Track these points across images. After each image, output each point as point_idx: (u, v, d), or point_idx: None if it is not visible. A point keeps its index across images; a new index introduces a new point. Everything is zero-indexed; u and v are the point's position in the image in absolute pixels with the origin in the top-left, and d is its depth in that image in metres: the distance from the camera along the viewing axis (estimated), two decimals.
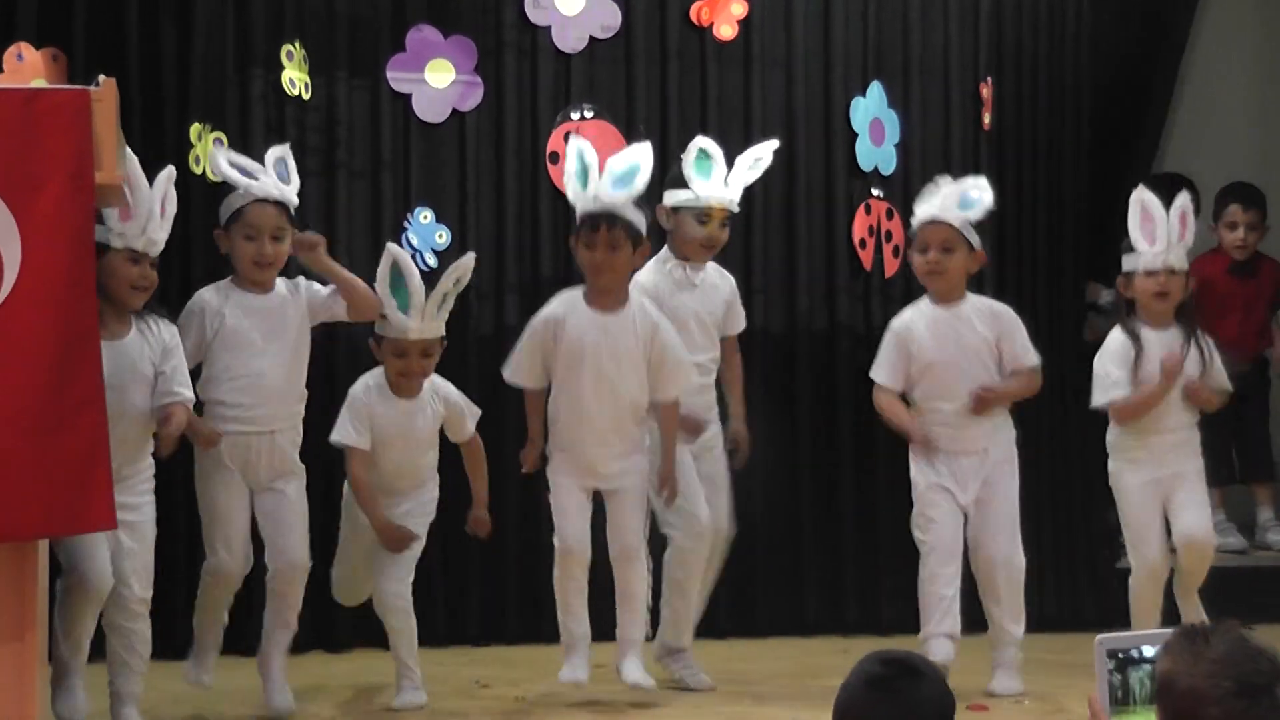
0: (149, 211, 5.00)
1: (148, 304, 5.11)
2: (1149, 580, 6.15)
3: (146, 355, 5.04)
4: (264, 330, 5.37)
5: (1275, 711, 2.64)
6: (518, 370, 5.64)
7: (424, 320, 5.49)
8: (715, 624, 6.39)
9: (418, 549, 5.55)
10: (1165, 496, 6.13)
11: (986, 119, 7.30)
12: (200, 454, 5.35)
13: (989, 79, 7.30)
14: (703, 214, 5.95)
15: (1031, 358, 5.96)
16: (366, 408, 5.54)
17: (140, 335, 5.04)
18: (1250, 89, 8.43)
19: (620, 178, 5.56)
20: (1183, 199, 6.13)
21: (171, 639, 5.49)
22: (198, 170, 6.35)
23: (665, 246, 6.00)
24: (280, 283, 5.47)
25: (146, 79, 6.31)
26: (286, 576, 5.38)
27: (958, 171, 7.17)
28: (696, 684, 5.80)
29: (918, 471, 5.91)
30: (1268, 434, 7.77)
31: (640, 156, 5.63)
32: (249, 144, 6.37)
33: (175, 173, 5.16)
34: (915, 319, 5.99)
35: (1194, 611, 6.11)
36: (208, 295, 5.42)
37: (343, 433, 5.53)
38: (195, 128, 6.35)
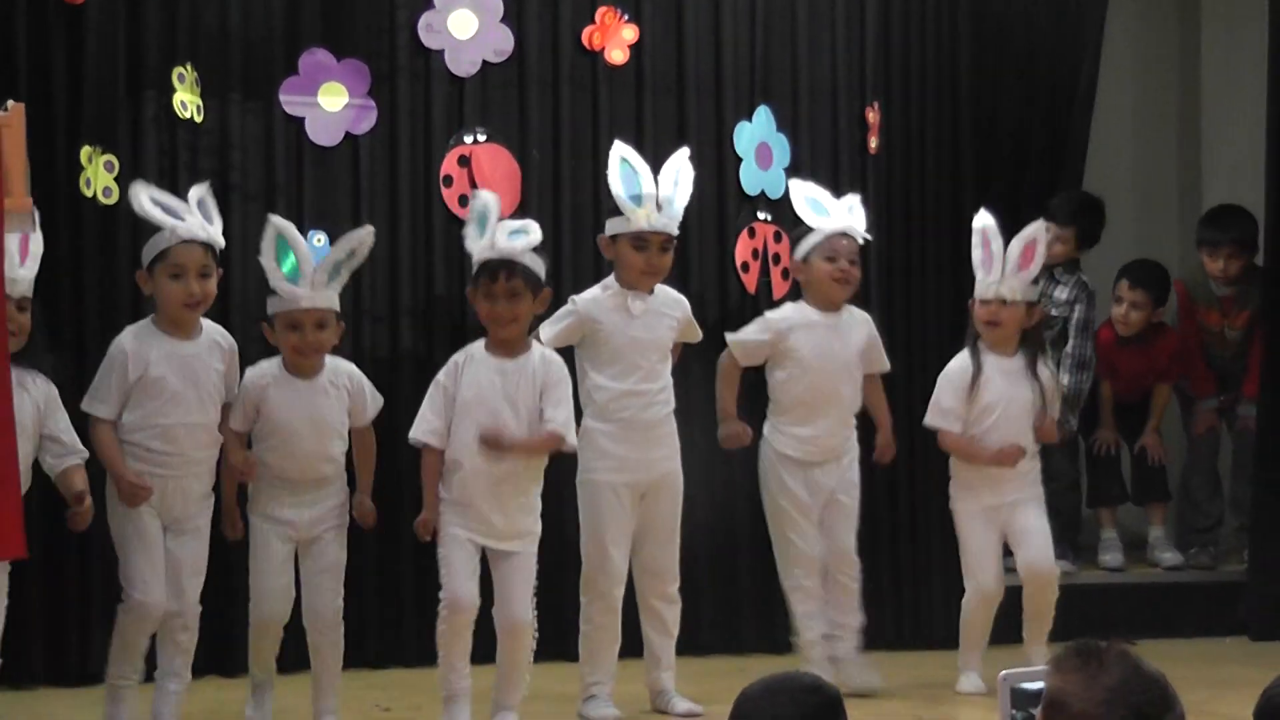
0: (12, 245, 4.85)
1: (35, 353, 5.02)
2: (981, 605, 6.32)
3: (26, 410, 4.92)
4: (185, 378, 5.33)
5: None
6: (426, 428, 5.57)
7: (314, 289, 5.41)
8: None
9: (340, 561, 5.51)
10: (1004, 524, 6.27)
11: (873, 143, 7.37)
12: (110, 493, 5.30)
13: (876, 104, 7.38)
14: (638, 239, 5.96)
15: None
16: (258, 391, 5.44)
17: (19, 385, 4.82)
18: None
19: (519, 226, 5.59)
20: (1033, 228, 6.25)
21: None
22: (89, 193, 6.28)
23: (612, 274, 6.04)
24: (206, 329, 5.42)
25: (36, 101, 6.20)
26: (179, 622, 5.32)
27: (846, 195, 7.29)
28: None
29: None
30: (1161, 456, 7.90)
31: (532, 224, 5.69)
32: (141, 167, 6.33)
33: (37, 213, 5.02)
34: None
35: (1040, 638, 6.22)
36: (128, 343, 5.34)
37: (233, 419, 5.46)
38: (86, 150, 6.27)
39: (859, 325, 6.38)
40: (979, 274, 6.28)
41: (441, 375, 5.62)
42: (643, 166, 6.06)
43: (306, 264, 5.42)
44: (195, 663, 5.50)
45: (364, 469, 5.59)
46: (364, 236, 5.57)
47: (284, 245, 5.44)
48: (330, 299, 5.46)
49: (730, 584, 7.01)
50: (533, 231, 5.66)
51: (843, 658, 6.20)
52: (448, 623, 5.48)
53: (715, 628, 6.91)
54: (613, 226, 6.01)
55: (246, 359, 6.22)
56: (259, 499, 5.50)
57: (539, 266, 5.62)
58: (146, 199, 5.39)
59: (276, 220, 5.57)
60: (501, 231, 5.59)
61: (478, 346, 5.63)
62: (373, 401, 5.59)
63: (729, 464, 6.70)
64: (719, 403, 6.26)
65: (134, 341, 5.34)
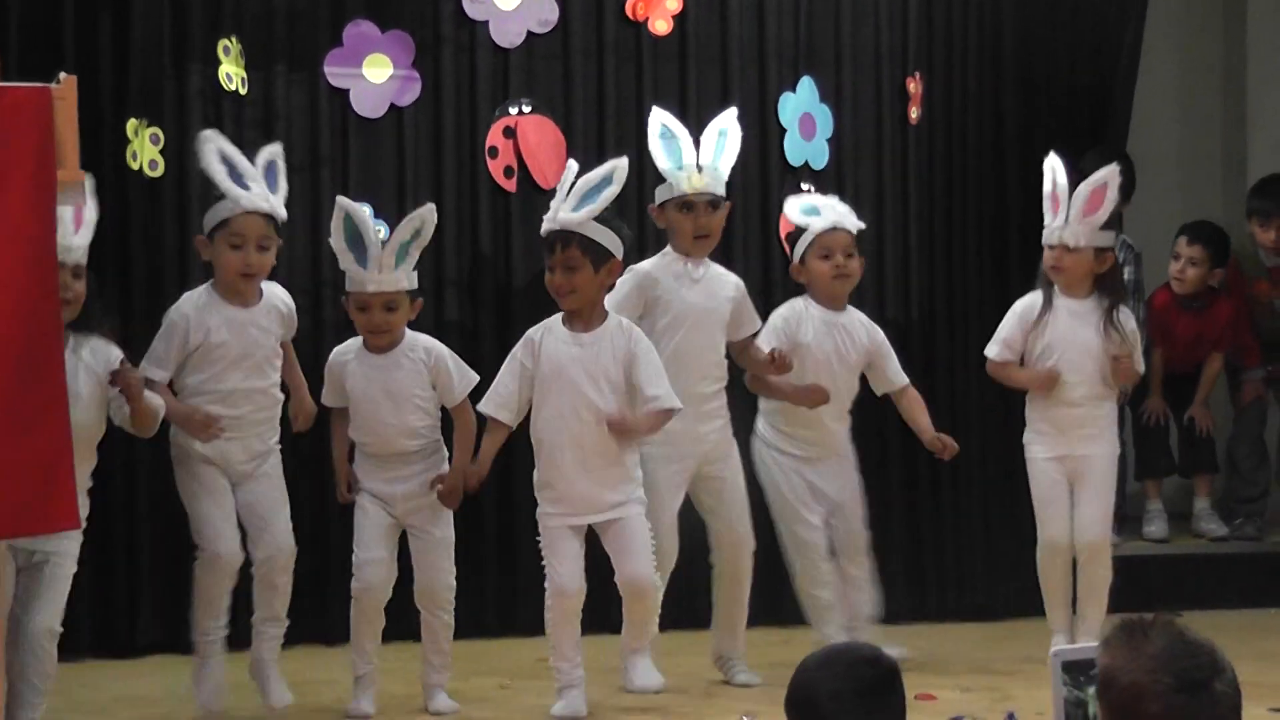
0: (67, 215, 4.86)
1: (90, 319, 5.04)
2: (1049, 556, 6.25)
3: (81, 375, 4.96)
4: (244, 345, 5.36)
5: (1214, 706, 2.66)
6: (496, 401, 5.53)
7: (382, 272, 5.43)
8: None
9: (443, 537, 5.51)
10: (1073, 478, 6.22)
11: (914, 113, 7.36)
12: (176, 453, 5.34)
13: (917, 74, 7.36)
14: (682, 203, 5.93)
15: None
16: (340, 367, 5.52)
17: (74, 355, 4.89)
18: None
19: (584, 195, 5.52)
20: (1104, 173, 6.17)
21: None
22: (135, 166, 6.32)
23: (669, 243, 6.02)
24: (267, 294, 5.46)
25: (83, 74, 6.18)
26: (275, 564, 5.36)
27: (888, 166, 7.29)
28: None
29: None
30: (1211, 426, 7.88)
31: (609, 170, 5.59)
32: (186, 139, 6.35)
33: (92, 180, 5.06)
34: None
35: (1094, 616, 6.18)
36: (189, 309, 5.38)
37: (324, 395, 5.55)
38: (132, 123, 6.31)
39: (860, 327, 6.27)
40: (1046, 217, 6.23)
41: (519, 350, 5.56)
42: (682, 131, 6.02)
43: (374, 247, 5.44)
44: (294, 631, 5.55)
45: (460, 447, 5.56)
46: (426, 215, 5.55)
47: (352, 229, 5.45)
48: (397, 281, 5.45)
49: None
50: (607, 187, 5.54)
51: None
52: (554, 611, 5.49)
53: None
54: (660, 194, 5.99)
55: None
56: (361, 474, 5.54)
57: (604, 236, 5.51)
58: (213, 153, 5.39)
59: (343, 201, 5.56)
60: (567, 201, 5.53)
61: (555, 321, 5.58)
62: (460, 379, 5.54)
63: None
64: (774, 394, 6.14)
65: (195, 308, 5.38)
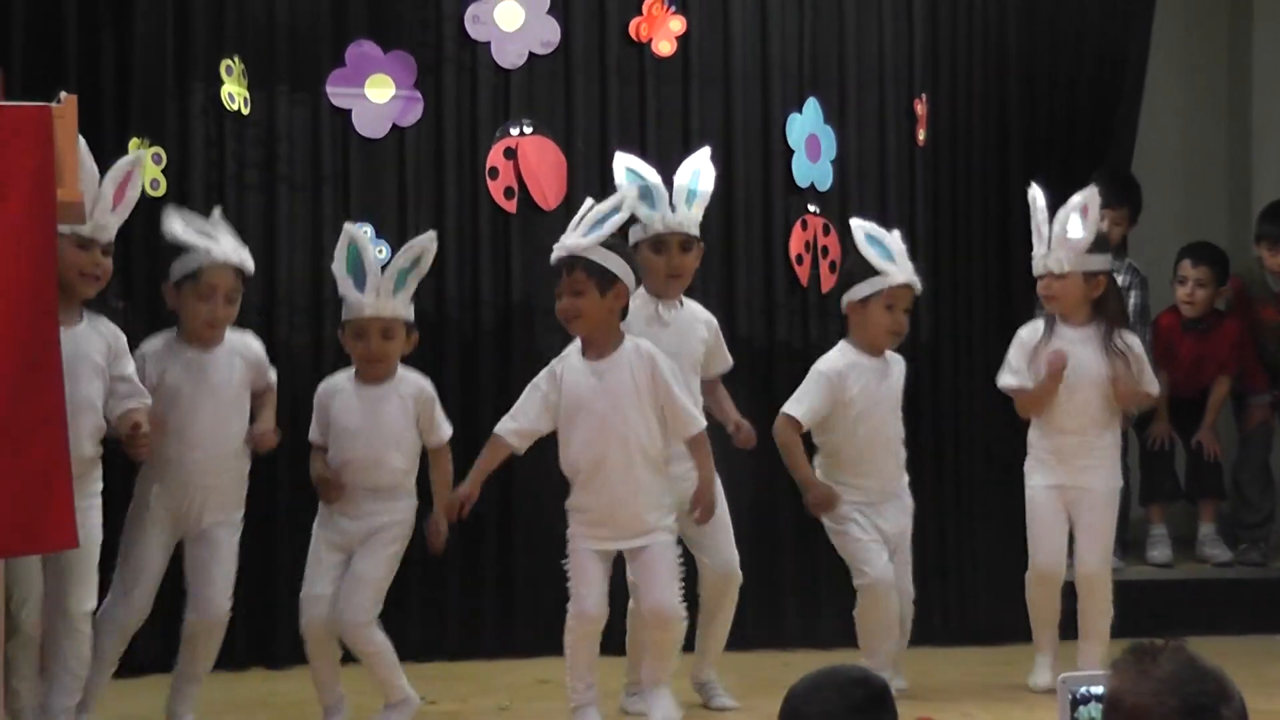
0: (95, 196, 4.95)
1: (102, 299, 5.09)
2: (1037, 584, 6.24)
3: (97, 346, 5.03)
4: (203, 387, 5.35)
5: None
6: (510, 425, 5.49)
7: (379, 298, 5.41)
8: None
9: (388, 572, 5.47)
10: (1071, 508, 6.19)
11: (921, 135, 7.35)
12: (138, 490, 5.34)
13: (924, 95, 7.35)
14: (657, 242, 5.84)
15: None
16: (328, 398, 5.50)
17: (91, 326, 5.03)
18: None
19: (593, 223, 5.49)
20: (1081, 196, 6.13)
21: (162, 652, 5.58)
22: None
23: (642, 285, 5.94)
24: (229, 340, 5.45)
25: (85, 93, 6.19)
26: (205, 627, 5.35)
27: (894, 187, 7.27)
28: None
29: None
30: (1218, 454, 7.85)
31: (619, 200, 5.56)
32: (188, 159, 6.36)
33: (141, 158, 5.11)
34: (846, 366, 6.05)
35: (1092, 649, 6.13)
36: (150, 348, 5.38)
37: (311, 430, 5.53)
38: (134, 142, 6.27)
39: (897, 365, 6.19)
40: (1034, 248, 6.22)
41: (542, 382, 5.51)
42: (650, 172, 5.95)
43: (373, 273, 5.42)
44: (288, 653, 5.56)
45: (439, 489, 5.54)
46: (426, 244, 5.53)
47: (355, 254, 5.44)
48: (395, 308, 5.44)
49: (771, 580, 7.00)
50: (616, 213, 5.51)
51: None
52: (575, 633, 5.45)
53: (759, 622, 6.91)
54: (633, 235, 5.87)
55: (290, 349, 6.33)
56: (323, 510, 5.51)
57: (610, 260, 5.45)
58: (179, 224, 5.42)
59: (350, 228, 5.55)
60: (578, 229, 5.49)
61: (573, 350, 5.53)
62: (443, 421, 5.55)
63: (770, 458, 6.65)
64: (795, 474, 6.04)
65: (157, 347, 5.38)
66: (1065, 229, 6.10)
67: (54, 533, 4.22)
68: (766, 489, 6.74)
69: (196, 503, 5.32)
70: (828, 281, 7.13)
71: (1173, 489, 7.79)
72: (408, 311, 5.49)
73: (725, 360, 6.03)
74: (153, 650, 5.75)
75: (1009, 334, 6.39)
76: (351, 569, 5.43)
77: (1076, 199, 6.12)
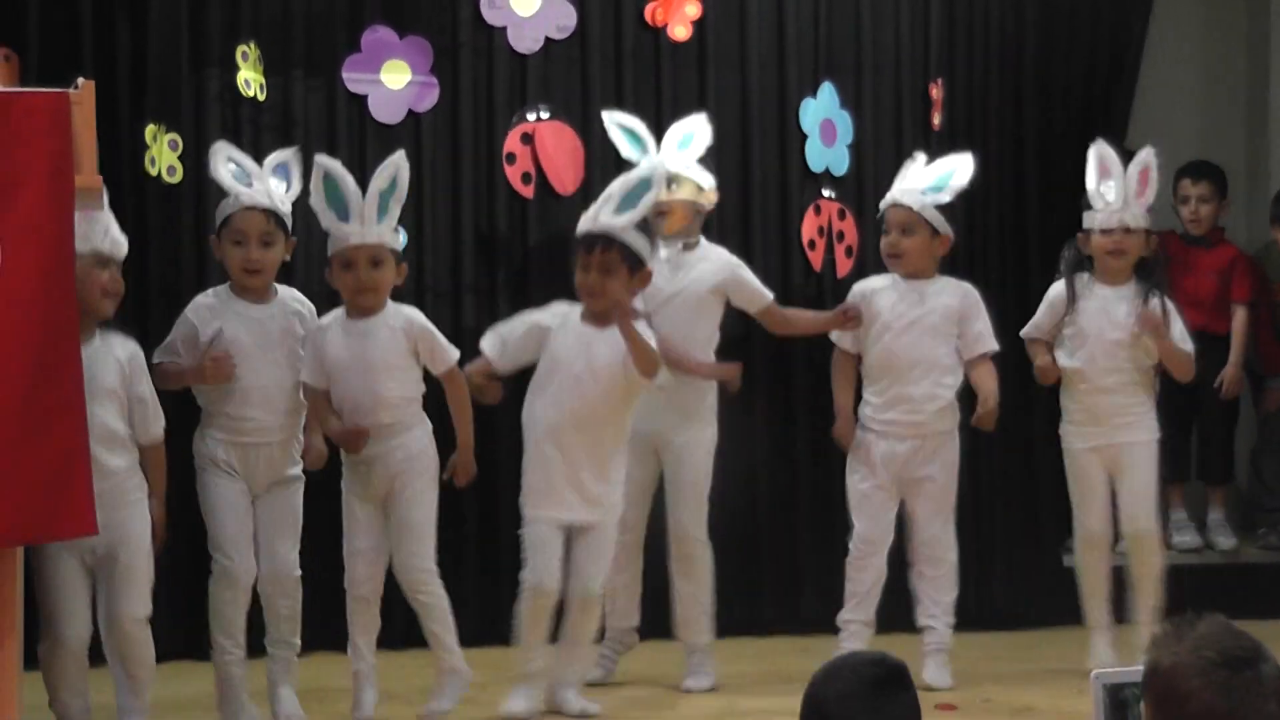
0: (109, 212, 4.95)
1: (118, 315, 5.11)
2: (1087, 549, 6.22)
3: (112, 368, 5.00)
4: (260, 340, 5.33)
5: (1258, 684, 2.65)
6: (493, 340, 5.59)
7: (365, 225, 5.34)
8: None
9: (430, 509, 5.42)
10: (1112, 468, 6.16)
11: (936, 119, 7.33)
12: (199, 461, 5.36)
13: (939, 80, 7.33)
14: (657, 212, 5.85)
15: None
16: (320, 335, 5.40)
17: (105, 346, 5.00)
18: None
19: (623, 199, 5.50)
20: (1145, 155, 6.15)
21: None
22: (153, 172, 6.32)
23: None
24: (282, 294, 5.43)
25: (101, 80, 6.18)
26: (271, 587, 5.36)
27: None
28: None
29: None
30: (1231, 436, 7.79)
31: (649, 173, 5.59)
32: (204, 145, 6.32)
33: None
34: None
35: (1146, 604, 6.13)
36: (204, 301, 5.40)
37: (304, 372, 5.43)
38: (150, 129, 6.30)
39: (948, 292, 6.17)
40: (1097, 204, 6.15)
41: (543, 316, 5.60)
42: (637, 123, 6.18)
43: (355, 200, 5.35)
44: (312, 638, 5.53)
45: (458, 421, 5.48)
46: (399, 162, 5.44)
47: (332, 186, 5.38)
48: (381, 234, 5.37)
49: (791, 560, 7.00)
50: (649, 193, 5.55)
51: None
52: (528, 604, 5.48)
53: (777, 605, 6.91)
54: None
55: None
56: (345, 466, 5.46)
57: (641, 244, 5.49)
58: (222, 160, 5.40)
59: (321, 159, 5.49)
60: (607, 205, 5.51)
61: (576, 313, 5.57)
62: (446, 346, 5.46)
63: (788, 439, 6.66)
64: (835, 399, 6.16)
65: (207, 306, 5.39)
66: (1136, 186, 6.09)
67: (73, 521, 4.23)
68: (786, 475, 6.75)
69: (260, 465, 5.32)
70: (843, 266, 7.12)
71: (1184, 469, 7.72)
72: (394, 240, 5.45)
73: (760, 293, 6.13)
74: (172, 640, 5.75)
75: (1023, 315, 6.38)
76: (394, 522, 5.38)
77: (1141, 157, 6.13)
